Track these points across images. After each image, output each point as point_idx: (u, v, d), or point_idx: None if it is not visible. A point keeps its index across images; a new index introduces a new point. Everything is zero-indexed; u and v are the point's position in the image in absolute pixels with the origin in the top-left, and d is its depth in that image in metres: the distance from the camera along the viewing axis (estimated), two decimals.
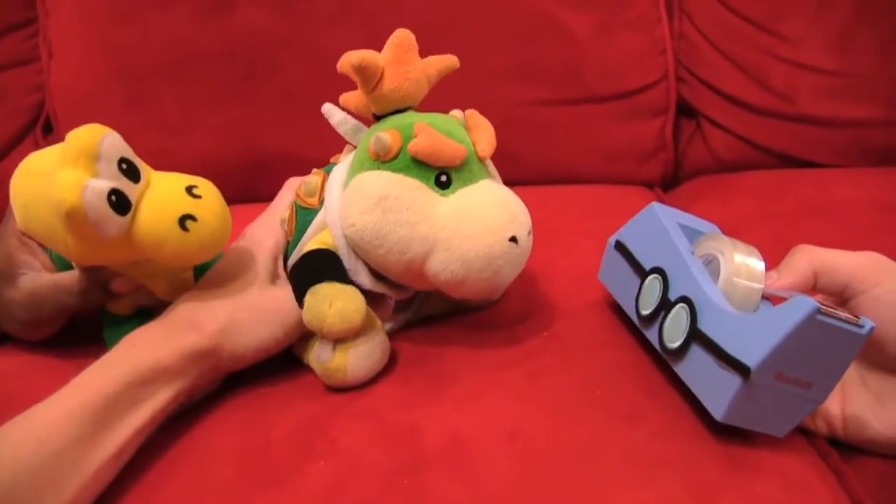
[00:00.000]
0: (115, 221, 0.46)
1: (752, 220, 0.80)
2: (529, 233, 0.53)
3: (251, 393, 0.54)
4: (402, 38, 0.55)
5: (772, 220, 0.80)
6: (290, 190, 0.61)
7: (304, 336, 0.55)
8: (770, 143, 0.94)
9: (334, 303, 0.51)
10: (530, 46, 0.91)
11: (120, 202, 0.46)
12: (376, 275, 0.55)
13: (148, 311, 0.56)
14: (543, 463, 0.46)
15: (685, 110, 0.98)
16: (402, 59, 0.54)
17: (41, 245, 0.58)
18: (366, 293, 0.54)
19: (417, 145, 0.51)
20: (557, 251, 0.71)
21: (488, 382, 0.53)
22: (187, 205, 0.48)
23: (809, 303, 0.41)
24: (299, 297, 0.53)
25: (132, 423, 0.46)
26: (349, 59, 0.52)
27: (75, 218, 0.44)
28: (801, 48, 0.91)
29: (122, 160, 0.47)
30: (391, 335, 0.58)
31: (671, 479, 0.45)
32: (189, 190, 0.49)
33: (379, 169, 0.52)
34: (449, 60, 0.58)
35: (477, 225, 0.51)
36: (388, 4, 0.88)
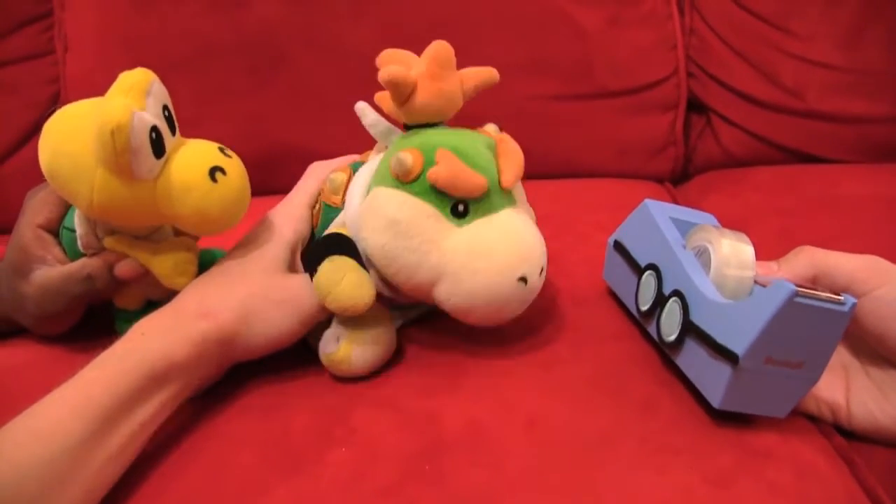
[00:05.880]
0: (150, 160, 0.47)
1: (762, 214, 0.81)
2: (542, 271, 0.52)
3: (270, 381, 0.54)
4: (438, 51, 0.53)
5: (781, 214, 0.80)
6: (313, 176, 0.60)
7: (319, 326, 0.55)
8: (779, 139, 0.94)
9: (348, 274, 0.51)
10: (541, 41, 0.91)
11: (158, 142, 0.47)
12: (386, 280, 0.54)
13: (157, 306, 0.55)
14: (560, 450, 0.47)
15: (695, 106, 0.98)
16: (436, 75, 0.53)
17: (55, 239, 0.56)
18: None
19: (437, 174, 0.50)
20: (570, 243, 0.72)
21: (504, 371, 0.54)
22: (219, 159, 0.50)
23: (787, 287, 0.42)
24: (315, 265, 0.52)
25: (138, 419, 0.45)
26: (381, 75, 0.51)
27: (119, 137, 0.44)
28: (811, 44, 0.91)
29: (165, 107, 0.49)
30: (405, 326, 0.59)
31: (687, 466, 0.45)
32: (221, 149, 0.51)
33: (397, 188, 0.51)
34: (487, 74, 0.56)
35: (486, 263, 0.50)
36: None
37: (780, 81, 0.92)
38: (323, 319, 0.54)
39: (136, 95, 0.46)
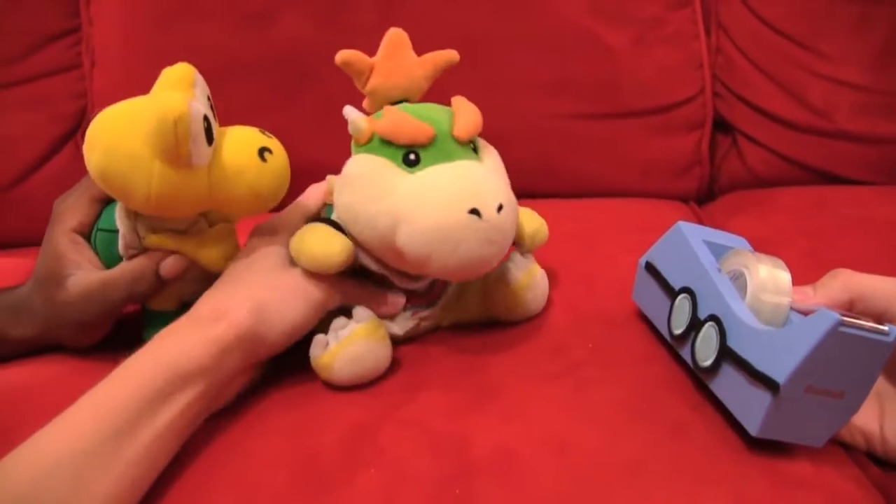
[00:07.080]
0: (204, 147, 0.49)
1: (788, 235, 0.80)
2: (501, 208, 0.52)
3: (297, 398, 0.54)
4: (392, 35, 0.57)
5: (808, 235, 0.80)
6: (313, 192, 0.62)
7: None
8: (806, 159, 0.94)
9: (317, 232, 0.54)
10: (567, 60, 0.91)
11: (209, 130, 0.49)
12: (380, 261, 0.57)
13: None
14: (592, 475, 0.46)
15: (721, 125, 0.98)
16: (391, 55, 0.57)
17: (88, 243, 0.57)
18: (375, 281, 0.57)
19: (380, 125, 0.53)
20: (597, 264, 0.71)
21: (535, 393, 0.54)
22: (263, 140, 0.53)
23: (832, 316, 0.42)
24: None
25: (162, 419, 0.46)
26: (336, 58, 0.55)
27: (181, 126, 0.46)
28: (840, 65, 0.91)
29: (208, 97, 0.51)
30: (420, 336, 0.60)
31: (720, 494, 0.45)
32: (261, 131, 0.54)
33: (357, 153, 0.55)
34: (447, 55, 0.59)
35: (434, 198, 0.51)
36: (426, 17, 0.89)
37: (807, 102, 0.92)
38: (332, 307, 0.56)
39: (185, 87, 0.49)
